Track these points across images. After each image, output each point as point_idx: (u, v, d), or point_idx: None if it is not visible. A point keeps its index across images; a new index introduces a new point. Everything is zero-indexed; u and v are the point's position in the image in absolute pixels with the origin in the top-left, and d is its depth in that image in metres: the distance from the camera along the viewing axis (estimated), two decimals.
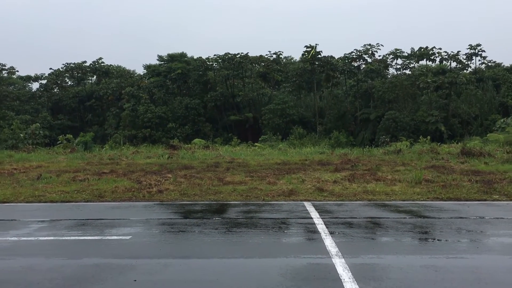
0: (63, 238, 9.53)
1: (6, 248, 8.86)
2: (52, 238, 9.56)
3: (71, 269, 7.48)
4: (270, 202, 13.37)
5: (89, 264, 7.71)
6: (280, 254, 8.10)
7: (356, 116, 58.03)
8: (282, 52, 68.33)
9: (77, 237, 9.56)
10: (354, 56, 60.38)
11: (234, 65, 62.35)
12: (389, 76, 63.70)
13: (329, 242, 8.80)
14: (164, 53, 70.26)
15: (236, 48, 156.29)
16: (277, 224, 10.48)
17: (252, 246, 8.68)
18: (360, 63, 61.29)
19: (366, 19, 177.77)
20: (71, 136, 42.78)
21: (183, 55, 68.49)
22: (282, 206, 12.73)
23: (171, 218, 11.36)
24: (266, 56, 65.97)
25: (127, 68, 77.86)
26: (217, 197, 14.18)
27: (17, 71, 72.72)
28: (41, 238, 9.52)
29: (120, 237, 9.52)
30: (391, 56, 61.25)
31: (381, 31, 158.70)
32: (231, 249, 8.57)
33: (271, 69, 65.17)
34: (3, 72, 68.72)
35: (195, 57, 66.59)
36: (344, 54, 60.97)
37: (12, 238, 9.56)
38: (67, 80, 73.78)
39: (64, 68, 70.76)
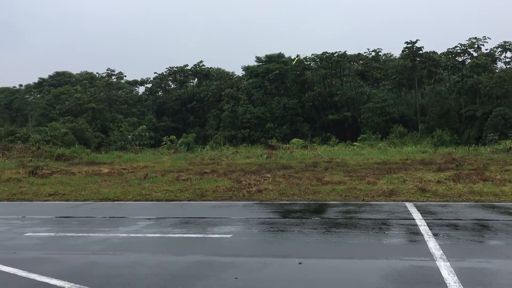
0: (168, 235, 9.95)
1: (117, 244, 9.41)
2: (158, 235, 10.02)
3: (176, 265, 7.79)
4: (370, 203, 13.14)
5: (193, 261, 7.99)
6: (381, 256, 7.94)
7: (461, 114, 55.36)
8: (381, 49, 66.68)
9: (181, 235, 9.94)
10: (458, 51, 57.60)
11: (332, 64, 61.73)
12: (497, 71, 60.19)
13: (432, 244, 8.49)
14: (262, 54, 71.10)
15: (333, 46, 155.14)
16: (377, 225, 10.28)
17: (352, 247, 8.57)
18: (465, 57, 58.40)
19: (469, 12, 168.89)
20: (175, 137, 44.53)
21: (280, 55, 68.86)
22: (382, 207, 12.46)
23: (270, 218, 11.49)
24: (364, 54, 64.71)
25: (227, 70, 79.64)
26: (315, 197, 14.16)
27: (125, 76, 76.77)
28: (148, 235, 10.01)
29: (222, 235, 9.78)
30: (500, 49, 57.80)
31: (487, 24, 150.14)
32: (331, 249, 8.52)
33: (369, 67, 63.84)
34: (113, 77, 72.80)
35: (292, 57, 66.79)
36: (448, 49, 58.36)
37: (122, 235, 10.13)
38: (170, 83, 76.63)
39: (168, 72, 73.61)
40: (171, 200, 14.60)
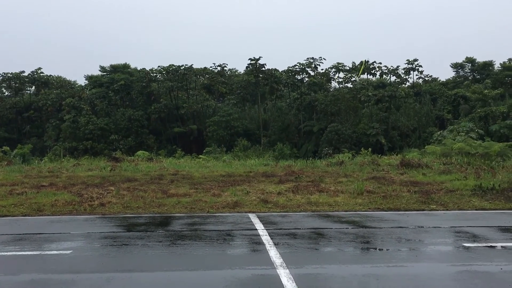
0: None
1: None
2: None
3: (7, 285, 7.21)
4: (214, 214, 13.33)
5: (27, 280, 7.46)
6: (225, 266, 8.09)
7: (300, 129, 58.79)
8: (227, 65, 68.61)
9: (14, 253, 9.21)
10: (298, 69, 61.27)
11: (179, 76, 62.05)
12: (331, 90, 64.99)
13: (273, 253, 8.86)
14: (106, 64, 69.13)
15: (180, 60, 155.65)
16: (222, 236, 10.47)
17: (197, 259, 8.62)
18: (303, 76, 62.26)
19: (309, 36, 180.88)
20: (8, 148, 41.24)
21: (126, 66, 67.62)
22: (227, 218, 12.72)
23: (113, 232, 11.13)
24: (210, 68, 66.12)
25: (68, 79, 76.09)
26: (161, 209, 14.02)
27: None
28: None
29: (60, 251, 9.25)
30: (333, 69, 62.54)
31: (324, 47, 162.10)
32: (176, 262, 8.48)
33: (215, 81, 65.29)
34: None
35: (138, 69, 65.87)
36: (288, 67, 61.83)
37: None
38: (4, 91, 71.35)
39: (1, 78, 68.39)
40: (3, 216, 13.46)
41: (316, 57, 61.62)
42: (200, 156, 44.00)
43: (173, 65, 61.94)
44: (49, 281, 7.38)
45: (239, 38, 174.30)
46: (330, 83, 65.56)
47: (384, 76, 64.40)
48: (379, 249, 9.35)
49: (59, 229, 11.62)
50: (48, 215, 13.56)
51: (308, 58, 61.31)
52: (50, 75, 72.39)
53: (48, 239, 10.41)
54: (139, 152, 43.72)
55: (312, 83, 60.41)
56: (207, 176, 21.98)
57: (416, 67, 64.27)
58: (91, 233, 11.02)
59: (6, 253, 9.17)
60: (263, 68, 60.27)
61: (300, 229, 11.22)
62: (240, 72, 74.18)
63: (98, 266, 8.26)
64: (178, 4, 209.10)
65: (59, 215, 13.48)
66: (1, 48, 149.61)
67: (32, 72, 69.46)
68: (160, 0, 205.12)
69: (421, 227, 11.40)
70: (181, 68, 61.40)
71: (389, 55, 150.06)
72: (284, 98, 66.11)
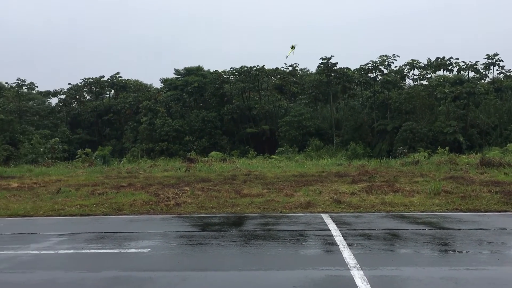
0: (83, 251, 9.61)
1: (27, 261, 8.96)
2: (72, 251, 9.65)
3: (90, 282, 7.54)
4: (287, 214, 13.35)
5: (108, 277, 7.77)
6: (298, 266, 8.08)
7: (373, 128, 57.68)
8: (298, 64, 68.35)
9: (96, 250, 9.64)
10: (370, 67, 60.13)
11: (250, 77, 62.50)
12: (405, 87, 63.34)
13: (347, 254, 8.76)
14: (180, 67, 70.74)
15: (251, 61, 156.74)
16: (295, 236, 10.46)
17: (270, 259, 8.67)
18: (376, 74, 61.06)
19: (381, 33, 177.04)
20: (90, 150, 43.13)
21: (199, 68, 68.86)
22: (299, 218, 12.70)
23: (189, 231, 11.39)
24: (282, 69, 66.13)
25: (144, 82, 78.54)
26: (234, 209, 14.21)
27: (37, 86, 73.91)
28: (61, 252, 9.62)
29: (139, 250, 9.58)
30: (408, 66, 60.90)
31: (396, 44, 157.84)
32: (249, 262, 8.57)
33: (287, 81, 65.29)
34: (23, 87, 69.72)
35: (211, 71, 66.97)
36: (360, 65, 60.78)
37: (33, 252, 9.66)
38: (86, 95, 74.51)
39: (83, 83, 71.53)
40: (86, 215, 14.13)
41: (390, 54, 60.40)
42: (273, 156, 44.19)
43: (245, 66, 62.52)
44: (129, 278, 7.65)
45: (310, 37, 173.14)
46: (404, 80, 63.88)
47: (462, 72, 62.02)
48: (458, 252, 9.02)
49: (138, 228, 12.04)
50: (127, 214, 14.08)
51: (381, 56, 60.06)
52: (128, 79, 75.09)
53: (127, 237, 10.80)
54: (213, 153, 44.48)
55: (386, 81, 59.05)
56: (280, 176, 22.06)
57: (497, 62, 61.43)
58: (167, 232, 11.34)
59: (89, 251, 9.61)
60: (335, 67, 59.66)
61: (374, 230, 11.03)
62: (311, 71, 73.83)
63: (175, 265, 8.48)
64: (248, 7, 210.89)
65: (137, 215, 13.98)
66: (83, 55, 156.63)
67: (111, 76, 72.27)
68: (230, 4, 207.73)
69: (503, 229, 10.91)
70: (253, 69, 61.82)
71: (468, 50, 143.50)
72: (356, 97, 65.08)
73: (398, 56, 60.03)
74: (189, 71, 68.32)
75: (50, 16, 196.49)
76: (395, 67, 61.18)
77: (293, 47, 55.73)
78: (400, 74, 61.36)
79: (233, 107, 62.30)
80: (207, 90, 64.19)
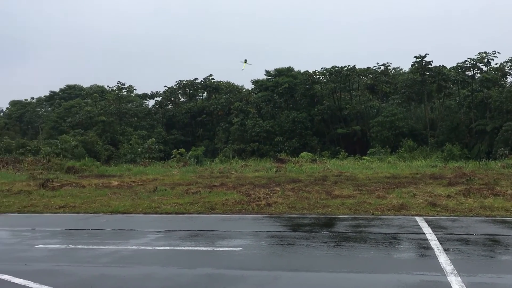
0: (178, 248, 9.97)
1: (127, 256, 9.44)
2: (168, 248, 10.04)
3: (186, 278, 7.81)
4: (379, 217, 13.10)
5: (202, 274, 8.01)
6: (391, 270, 7.91)
7: (471, 128, 55.12)
8: (391, 63, 66.68)
9: (191, 248, 9.96)
10: (468, 65, 57.51)
11: (341, 78, 61.82)
12: (507, 85, 59.95)
13: (443, 259, 8.45)
14: (271, 68, 71.32)
15: (341, 61, 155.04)
16: (387, 239, 10.25)
17: (362, 261, 8.55)
18: (474, 72, 58.28)
19: (481, 25, 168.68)
20: (184, 150, 44.61)
21: (290, 69, 69.08)
22: (392, 221, 12.42)
23: (280, 231, 11.48)
24: (373, 68, 64.84)
25: (236, 84, 80.00)
26: (325, 210, 14.13)
27: (135, 89, 77.40)
28: (158, 248, 10.04)
29: (231, 248, 9.78)
30: (509, 63, 57.65)
31: (498, 37, 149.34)
32: (340, 263, 8.50)
33: (379, 80, 63.91)
34: (123, 90, 73.28)
35: (301, 71, 66.95)
36: (457, 63, 58.26)
37: (132, 247, 10.16)
38: (180, 97, 77.04)
39: (177, 85, 74.06)
40: (180, 213, 14.62)
41: (489, 51, 57.40)
42: (364, 157, 43.48)
43: (335, 66, 61.95)
44: (222, 276, 7.84)
45: (402, 32, 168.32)
46: (506, 78, 60.46)
47: None
48: None
49: (230, 227, 12.30)
50: (220, 213, 14.41)
51: (479, 53, 57.28)
52: (220, 81, 76.81)
53: (220, 236, 11.07)
54: (303, 154, 44.49)
55: (485, 79, 56.14)
56: (371, 178, 21.67)
57: None
58: (258, 231, 11.49)
59: (184, 248, 9.95)
60: (430, 66, 57.61)
61: (472, 234, 10.56)
62: (404, 70, 71.80)
63: (266, 264, 8.59)
64: (341, 7, 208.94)
65: (229, 214, 14.27)
66: (178, 59, 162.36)
67: (204, 79, 74.29)
68: (321, 5, 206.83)
69: None
70: (344, 69, 61.14)
71: None
72: (453, 96, 62.47)
73: (499, 52, 56.90)
74: (279, 72, 68.73)
75: (148, 28, 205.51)
76: (496, 64, 58.10)
77: (245, 61, 56.71)
78: (501, 71, 58.19)
79: (324, 107, 61.90)
80: (297, 90, 64.24)
